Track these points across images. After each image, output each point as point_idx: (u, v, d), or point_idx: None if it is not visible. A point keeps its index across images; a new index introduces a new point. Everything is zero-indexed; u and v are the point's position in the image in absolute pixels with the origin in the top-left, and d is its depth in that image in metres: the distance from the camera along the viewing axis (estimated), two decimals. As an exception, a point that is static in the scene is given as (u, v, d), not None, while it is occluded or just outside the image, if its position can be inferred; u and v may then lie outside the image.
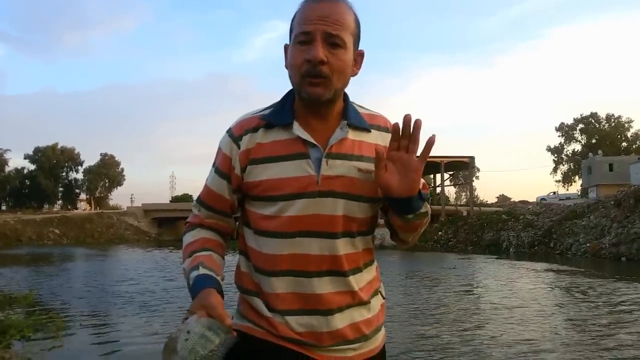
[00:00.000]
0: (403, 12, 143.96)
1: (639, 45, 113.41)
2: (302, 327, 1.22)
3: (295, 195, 1.20)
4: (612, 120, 64.98)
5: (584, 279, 14.77)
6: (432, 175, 46.79)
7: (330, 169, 1.21)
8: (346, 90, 1.28)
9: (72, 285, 13.94)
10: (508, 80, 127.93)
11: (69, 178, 74.00)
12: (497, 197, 70.81)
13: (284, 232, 1.22)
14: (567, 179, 66.96)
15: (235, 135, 1.28)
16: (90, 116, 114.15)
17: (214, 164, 1.32)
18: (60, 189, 73.04)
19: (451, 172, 49.17)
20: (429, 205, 1.27)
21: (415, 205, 1.20)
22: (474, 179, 49.27)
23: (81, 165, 73.57)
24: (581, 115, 65.94)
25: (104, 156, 74.57)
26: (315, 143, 1.22)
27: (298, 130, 1.23)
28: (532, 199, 53.03)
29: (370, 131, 1.29)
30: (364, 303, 1.27)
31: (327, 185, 1.21)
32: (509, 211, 35.34)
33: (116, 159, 75.82)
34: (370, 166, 1.23)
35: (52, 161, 69.44)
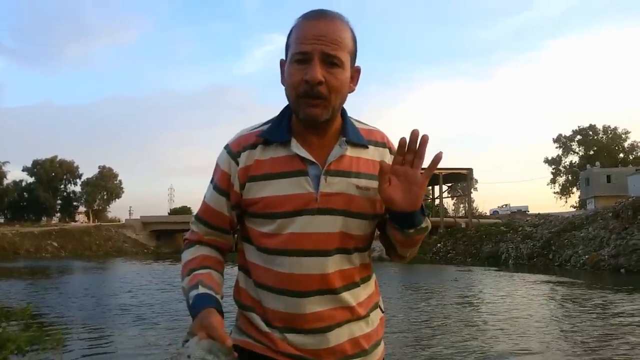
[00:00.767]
0: (401, 23, 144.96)
1: (636, 57, 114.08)
2: (300, 344, 1.22)
3: (294, 213, 1.21)
4: (609, 131, 65.27)
5: (583, 291, 14.73)
6: (430, 187, 46.80)
7: (329, 186, 1.22)
8: (347, 100, 1.29)
9: (70, 299, 13.86)
10: (506, 92, 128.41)
11: (68, 191, 73.89)
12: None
13: (285, 250, 1.22)
14: (565, 191, 67.04)
15: (233, 151, 1.27)
16: (89, 128, 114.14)
17: (212, 180, 1.32)
18: (59, 201, 72.85)
19: (449, 184, 49.25)
20: (429, 220, 1.26)
21: (417, 220, 1.21)
22: (472, 190, 49.29)
23: (80, 178, 73.48)
24: (579, 127, 66.30)
25: (102, 168, 74.51)
26: (314, 160, 1.22)
27: (296, 147, 1.23)
28: (530, 210, 53.08)
29: (368, 147, 1.29)
30: (362, 317, 1.28)
31: (326, 203, 1.21)
32: (507, 223, 35.36)
33: (114, 171, 75.79)
34: (368, 183, 1.24)
35: (51, 174, 69.36)
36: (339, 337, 1.23)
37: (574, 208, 56.41)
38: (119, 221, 65.25)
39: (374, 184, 1.24)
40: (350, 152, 1.26)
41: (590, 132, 65.66)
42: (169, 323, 9.40)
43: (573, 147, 66.97)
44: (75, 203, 74.81)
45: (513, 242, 30.51)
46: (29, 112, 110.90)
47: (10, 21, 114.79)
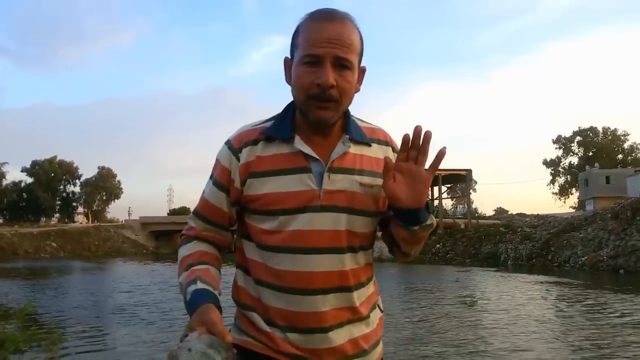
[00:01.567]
0: (398, 26, 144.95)
1: (635, 59, 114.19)
2: (301, 344, 1.21)
3: (297, 210, 1.20)
4: (609, 133, 65.38)
5: (581, 291, 14.74)
6: (429, 188, 46.72)
7: (332, 183, 1.21)
8: None
9: (68, 299, 13.85)
10: (505, 94, 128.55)
11: (67, 191, 73.79)
12: (495, 210, 70.76)
13: (287, 247, 1.21)
14: (564, 192, 67.13)
15: (234, 147, 1.26)
16: (88, 129, 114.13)
17: (212, 176, 1.30)
18: (58, 202, 72.71)
19: (449, 185, 49.25)
20: (434, 217, 1.25)
21: (422, 217, 1.20)
22: (471, 191, 49.33)
23: (79, 179, 73.38)
24: (579, 127, 66.36)
25: (101, 169, 74.42)
26: (317, 157, 1.22)
27: (299, 144, 1.22)
28: (529, 211, 53.13)
29: (370, 145, 1.29)
30: (363, 318, 1.28)
31: (329, 200, 1.21)
32: (506, 224, 35.38)
33: (113, 171, 75.73)
34: (372, 180, 1.24)
35: (50, 174, 69.26)
36: (340, 337, 1.22)
37: (573, 209, 56.49)
38: (118, 222, 65.20)
39: (377, 181, 1.24)
40: (354, 149, 1.26)
41: (590, 134, 65.79)
42: (167, 323, 9.39)
43: (573, 148, 67.07)
44: (74, 204, 74.70)
45: (512, 243, 30.50)
46: (28, 113, 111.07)
47: (9, 23, 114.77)
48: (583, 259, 24.36)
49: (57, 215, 72.90)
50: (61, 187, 72.61)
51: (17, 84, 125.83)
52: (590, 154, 63.47)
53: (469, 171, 42.20)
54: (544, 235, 28.93)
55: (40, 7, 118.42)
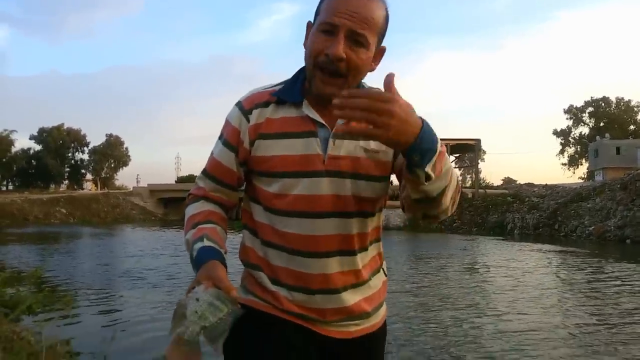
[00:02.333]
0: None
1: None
2: (305, 303, 1.23)
3: (302, 174, 1.21)
4: (622, 104, 64.38)
5: (586, 260, 14.79)
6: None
7: (337, 148, 1.21)
8: None
9: (79, 263, 14.09)
10: (516, 63, 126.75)
11: (75, 159, 74.28)
12: (503, 180, 70.54)
13: (292, 211, 1.22)
14: (573, 162, 66.67)
15: (245, 108, 1.27)
16: (95, 97, 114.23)
17: (222, 136, 1.31)
18: (67, 169, 73.33)
19: (457, 155, 49.02)
20: (447, 163, 1.05)
21: (417, 157, 1.00)
22: (479, 161, 49.12)
23: (87, 146, 73.77)
24: (592, 98, 65.34)
25: (109, 137, 74.66)
26: (324, 123, 1.22)
27: (307, 109, 1.23)
28: (538, 182, 52.90)
29: None
30: (366, 281, 1.29)
31: (334, 165, 1.21)
32: (514, 193, 35.29)
33: (121, 139, 75.95)
34: (378, 145, 1.23)
35: (58, 142, 69.59)
36: (343, 299, 1.25)
37: (582, 180, 56.19)
38: (127, 189, 65.73)
39: (384, 146, 1.20)
40: None
41: (603, 104, 64.79)
42: (174, 286, 9.55)
43: (584, 118, 66.24)
44: (82, 171, 75.30)
45: (519, 213, 30.51)
46: (35, 81, 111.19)
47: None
48: (590, 228, 24.38)
49: (66, 182, 73.57)
50: (69, 154, 73.07)
51: (23, 51, 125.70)
52: (602, 124, 62.66)
53: (478, 141, 41.92)
54: (552, 205, 28.91)
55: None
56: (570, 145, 67.16)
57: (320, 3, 1.21)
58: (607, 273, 12.04)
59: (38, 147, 69.51)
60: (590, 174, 52.39)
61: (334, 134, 1.21)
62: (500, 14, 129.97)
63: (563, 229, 26.42)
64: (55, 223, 42.38)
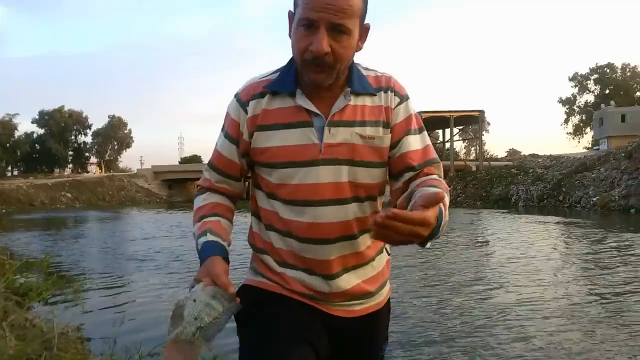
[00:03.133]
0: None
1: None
2: (309, 285, 1.29)
3: (300, 163, 1.24)
4: (628, 70, 63.46)
5: (590, 232, 14.83)
6: (441, 130, 46.44)
7: (333, 136, 1.24)
8: None
9: (87, 248, 14.22)
10: (520, 30, 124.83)
11: (79, 142, 74.38)
12: (507, 151, 70.40)
13: (292, 200, 1.26)
14: (578, 131, 66.20)
15: (242, 100, 1.30)
16: (95, 78, 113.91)
17: (223, 128, 1.35)
18: (70, 152, 73.49)
19: (460, 127, 48.78)
20: (445, 218, 1.09)
21: (430, 239, 1.05)
22: (483, 133, 48.88)
23: (90, 128, 73.80)
24: (597, 64, 64.40)
25: (112, 118, 74.63)
26: (318, 112, 1.24)
27: (301, 99, 1.25)
28: (543, 152, 52.71)
29: (375, 94, 1.29)
30: (369, 261, 1.34)
31: (330, 153, 1.24)
32: (518, 165, 35.26)
33: (124, 120, 75.85)
34: (374, 131, 1.26)
35: (61, 125, 69.57)
36: (346, 281, 1.29)
37: (587, 149, 55.86)
38: (131, 171, 65.93)
39: (380, 131, 1.27)
40: (355, 101, 1.27)
41: (608, 70, 63.90)
42: (183, 270, 9.65)
43: (589, 85, 65.44)
44: (86, 154, 75.47)
45: (523, 185, 30.53)
46: (35, 62, 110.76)
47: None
48: (594, 199, 24.38)
49: (70, 166, 73.82)
50: (72, 137, 73.13)
51: (20, 32, 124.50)
52: (607, 91, 61.92)
53: (482, 112, 41.66)
54: (556, 176, 28.89)
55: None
56: (575, 114, 66.61)
57: None
58: (609, 244, 12.08)
59: (41, 131, 69.55)
60: (596, 143, 52.04)
61: (329, 122, 1.23)
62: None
63: (567, 200, 26.43)
64: (61, 208, 42.67)
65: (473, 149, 68.31)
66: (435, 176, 1.28)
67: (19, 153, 67.37)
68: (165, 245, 13.89)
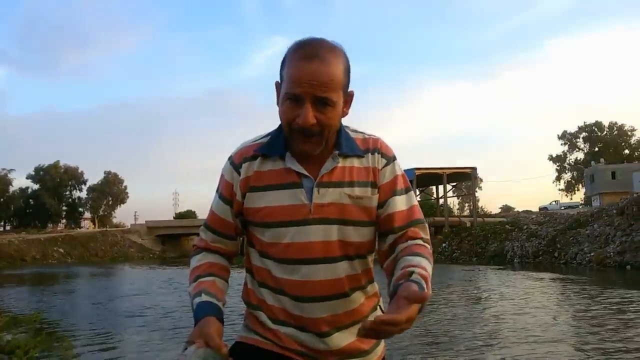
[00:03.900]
0: (401, 24, 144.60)
1: None
2: (304, 342, 1.30)
3: (290, 223, 1.28)
4: (615, 128, 65.00)
5: (588, 288, 14.72)
6: (434, 187, 46.75)
7: (322, 197, 1.28)
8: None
9: (77, 305, 13.95)
10: (510, 90, 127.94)
11: (73, 197, 74.09)
12: (501, 208, 70.57)
13: (283, 259, 1.29)
14: (570, 188, 66.85)
15: (235, 163, 1.35)
16: (92, 135, 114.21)
17: (218, 189, 1.39)
18: (64, 208, 73.04)
19: (454, 183, 49.16)
20: (427, 285, 1.15)
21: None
22: (477, 189, 49.22)
23: (85, 184, 73.71)
24: (585, 123, 65.97)
25: (107, 174, 74.75)
26: (307, 174, 1.29)
27: (290, 162, 1.30)
28: (535, 208, 52.95)
29: (363, 156, 1.34)
30: (363, 319, 1.32)
31: (320, 213, 1.28)
32: (512, 221, 35.28)
33: (120, 176, 76.00)
34: (362, 192, 1.31)
35: (56, 180, 69.52)
36: (338, 340, 1.30)
37: (579, 205, 56.21)
38: (125, 226, 65.45)
39: (369, 191, 1.31)
40: (344, 162, 1.31)
41: (596, 129, 65.39)
42: (174, 326, 9.46)
43: (578, 143, 66.74)
44: (80, 209, 75.04)
45: (518, 241, 30.43)
46: (32, 119, 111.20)
47: (11, 29, 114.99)
48: (590, 255, 24.30)
49: (63, 221, 73.22)
50: (67, 192, 72.88)
51: (20, 90, 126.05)
52: (596, 149, 63.12)
53: (474, 169, 42.13)
54: (550, 232, 28.88)
55: (41, 14, 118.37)
56: (567, 171, 67.50)
57: (281, 66, 1.26)
58: (607, 301, 11.97)
59: (35, 186, 69.43)
60: (588, 200, 52.42)
61: (317, 183, 1.28)
62: (491, 43, 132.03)
63: (563, 256, 26.32)
64: (53, 263, 41.99)
65: (467, 205, 68.56)
66: (419, 241, 1.31)
67: (12, 208, 66.95)
68: (157, 301, 13.65)
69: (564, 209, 47.48)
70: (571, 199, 65.59)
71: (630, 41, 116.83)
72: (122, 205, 77.43)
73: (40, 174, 69.08)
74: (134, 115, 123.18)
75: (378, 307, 1.41)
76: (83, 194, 74.32)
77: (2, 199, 64.47)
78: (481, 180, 64.85)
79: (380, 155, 1.35)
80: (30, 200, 68.86)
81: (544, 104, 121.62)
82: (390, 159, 1.37)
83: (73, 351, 7.02)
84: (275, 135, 1.35)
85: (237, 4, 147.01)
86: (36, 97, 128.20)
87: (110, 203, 75.95)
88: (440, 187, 45.12)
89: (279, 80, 1.29)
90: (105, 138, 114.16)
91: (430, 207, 43.55)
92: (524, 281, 17.75)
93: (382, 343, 1.42)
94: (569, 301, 12.55)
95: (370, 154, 1.35)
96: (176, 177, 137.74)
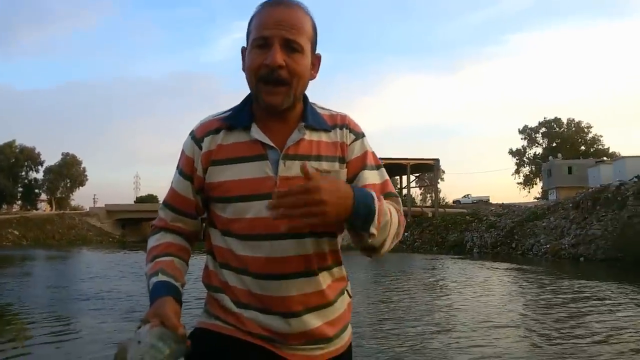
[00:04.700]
0: (367, 15, 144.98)
1: (597, 53, 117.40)
2: (268, 326, 1.23)
3: (254, 197, 1.22)
4: (573, 125, 67.07)
5: (542, 278, 15.20)
6: (398, 177, 47.32)
7: (288, 170, 1.22)
8: (311, 92, 1.30)
9: (31, 288, 13.56)
10: (472, 84, 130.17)
11: (29, 178, 71.78)
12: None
13: (247, 235, 1.23)
14: (528, 181, 68.70)
15: (197, 137, 1.29)
16: (51, 115, 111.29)
17: (178, 166, 1.33)
18: (20, 189, 70.74)
19: (417, 174, 49.85)
20: (389, 212, 1.18)
21: (359, 223, 1.11)
22: (439, 180, 50.05)
23: (41, 165, 71.44)
24: (545, 118, 67.85)
25: (65, 156, 72.60)
26: (273, 145, 1.24)
27: (256, 132, 1.25)
28: (495, 200, 54.26)
29: (329, 131, 1.30)
30: (330, 303, 1.29)
31: (286, 186, 1.18)
32: (472, 212, 36.09)
33: (78, 158, 73.94)
34: (330, 166, 1.26)
35: (11, 160, 67.17)
36: (309, 321, 1.24)
37: (537, 199, 57.91)
38: (83, 209, 63.91)
39: (336, 166, 1.27)
40: (310, 136, 1.27)
41: (555, 125, 67.31)
42: (133, 311, 9.30)
43: (537, 138, 68.60)
44: (37, 190, 72.80)
45: (478, 232, 31.19)
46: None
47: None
48: (546, 247, 25.08)
49: (19, 202, 70.94)
50: (23, 173, 70.57)
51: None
52: (554, 144, 65.01)
53: (437, 160, 42.84)
54: (509, 224, 29.67)
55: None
56: (525, 165, 69.31)
57: (249, 25, 1.25)
58: (559, 291, 12.39)
59: (-11, 166, 66.87)
60: (545, 193, 54.03)
61: (283, 155, 1.23)
62: (455, 37, 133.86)
63: (520, 247, 27.09)
64: (7, 245, 40.73)
65: (429, 195, 69.63)
66: (391, 202, 1.28)
67: (-37, 188, 64.45)
68: (114, 285, 13.40)
69: (474, 202, 52.19)
70: (529, 192, 67.62)
71: (591, 40, 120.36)
72: (80, 187, 75.55)
73: (-5, 153, 66.58)
74: (94, 95, 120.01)
75: (345, 291, 1.36)
76: (40, 176, 72.12)
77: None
78: (443, 172, 66.04)
79: (348, 130, 1.32)
80: (-17, 180, 66.36)
81: (507, 99, 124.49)
82: (359, 135, 1.34)
83: (26, 333, 6.81)
84: (240, 107, 1.31)
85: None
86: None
87: (68, 185, 73.88)
88: (404, 178, 45.71)
89: (245, 44, 1.26)
90: (63, 119, 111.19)
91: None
92: (482, 270, 18.21)
93: (349, 329, 1.37)
94: (522, 290, 12.93)
95: (338, 129, 1.31)
96: (138, 160, 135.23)
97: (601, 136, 66.36)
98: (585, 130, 66.98)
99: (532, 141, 68.88)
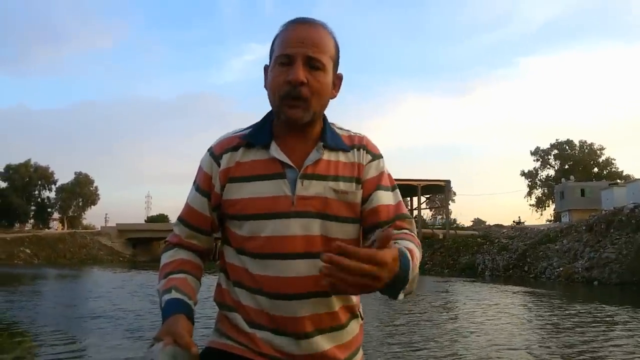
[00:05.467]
0: (379, 38, 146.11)
1: (611, 75, 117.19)
2: (281, 347, 1.22)
3: (271, 215, 1.22)
4: (585, 147, 66.66)
5: (556, 302, 14.96)
6: (408, 198, 47.15)
7: (305, 189, 1.22)
8: (326, 112, 1.30)
9: (42, 307, 13.57)
10: (484, 105, 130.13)
11: (42, 197, 72.40)
12: (473, 221, 71.53)
13: (263, 254, 1.22)
14: (540, 203, 68.12)
15: (215, 153, 1.29)
16: (64, 134, 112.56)
17: (195, 182, 1.33)
18: (33, 207, 71.31)
19: (428, 195, 49.65)
20: (417, 263, 1.15)
21: (392, 292, 1.05)
22: (450, 202, 49.80)
23: (54, 184, 72.08)
24: (557, 140, 67.53)
25: (78, 175, 73.31)
26: (291, 164, 1.24)
27: (275, 151, 1.25)
28: (507, 222, 53.80)
29: (348, 151, 1.30)
30: (343, 326, 1.28)
31: (303, 206, 1.22)
32: (484, 234, 35.77)
33: (90, 177, 74.64)
34: (347, 187, 1.26)
35: (25, 179, 67.87)
36: (316, 345, 1.23)
37: (549, 221, 57.31)
38: (95, 228, 64.24)
39: (353, 187, 1.27)
40: (328, 156, 1.27)
41: (567, 147, 66.95)
42: (142, 330, 9.27)
43: (550, 160, 68.21)
44: (49, 209, 73.35)
45: (489, 254, 30.88)
46: (2, 116, 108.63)
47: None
48: (559, 269, 24.74)
49: (31, 221, 71.48)
50: (36, 192, 71.23)
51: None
52: (567, 166, 64.57)
53: (448, 182, 42.69)
54: (521, 247, 29.36)
55: (12, 8, 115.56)
56: (538, 187, 68.81)
57: (272, 44, 1.27)
58: (572, 315, 12.18)
59: (3, 185, 67.68)
60: (557, 216, 53.50)
61: (301, 175, 1.23)
62: (466, 59, 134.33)
63: (532, 270, 26.75)
64: (18, 264, 40.95)
65: (440, 217, 69.23)
66: (406, 230, 1.27)
67: (-22, 207, 65.06)
68: (125, 305, 13.38)
69: None
70: (541, 214, 67.00)
71: (602, 62, 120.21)
72: (92, 206, 76.07)
73: (10, 173, 67.39)
74: (108, 115, 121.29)
75: (358, 313, 1.35)
76: (52, 194, 72.78)
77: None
78: (454, 193, 65.73)
79: (366, 151, 1.32)
80: (-2, 198, 67.03)
81: (518, 120, 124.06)
82: (377, 156, 1.34)
83: (34, 351, 6.80)
84: (260, 124, 1.31)
85: (216, 9, 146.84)
86: (6, 94, 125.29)
87: (80, 204, 74.44)
88: (415, 199, 45.53)
89: (268, 62, 1.28)
90: (77, 138, 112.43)
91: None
92: (494, 294, 17.96)
93: (360, 352, 1.34)
94: (535, 314, 12.72)
95: (356, 149, 1.32)
96: (149, 180, 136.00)
97: (614, 159, 65.94)
98: (598, 152, 66.51)
99: (544, 163, 68.49)
